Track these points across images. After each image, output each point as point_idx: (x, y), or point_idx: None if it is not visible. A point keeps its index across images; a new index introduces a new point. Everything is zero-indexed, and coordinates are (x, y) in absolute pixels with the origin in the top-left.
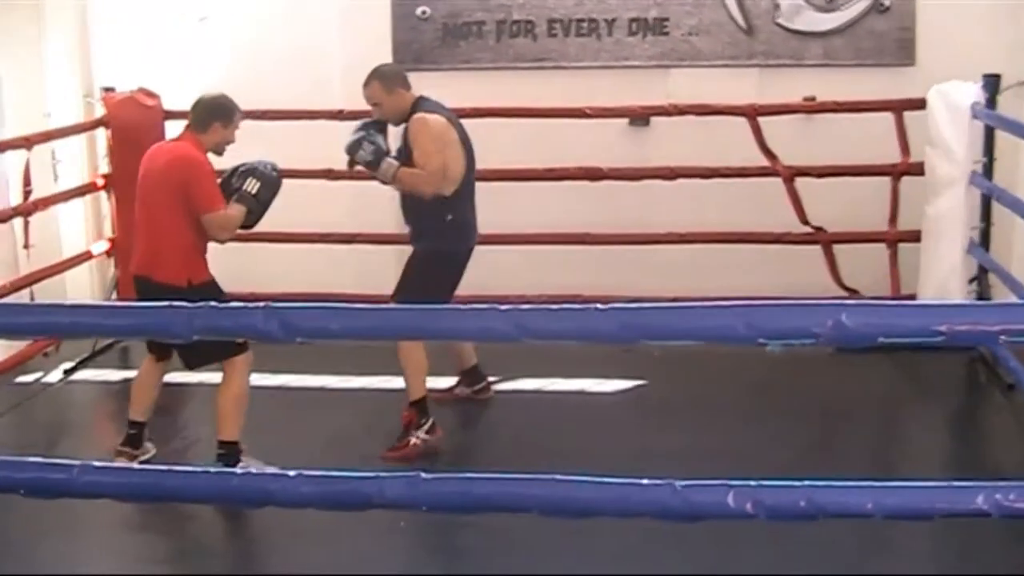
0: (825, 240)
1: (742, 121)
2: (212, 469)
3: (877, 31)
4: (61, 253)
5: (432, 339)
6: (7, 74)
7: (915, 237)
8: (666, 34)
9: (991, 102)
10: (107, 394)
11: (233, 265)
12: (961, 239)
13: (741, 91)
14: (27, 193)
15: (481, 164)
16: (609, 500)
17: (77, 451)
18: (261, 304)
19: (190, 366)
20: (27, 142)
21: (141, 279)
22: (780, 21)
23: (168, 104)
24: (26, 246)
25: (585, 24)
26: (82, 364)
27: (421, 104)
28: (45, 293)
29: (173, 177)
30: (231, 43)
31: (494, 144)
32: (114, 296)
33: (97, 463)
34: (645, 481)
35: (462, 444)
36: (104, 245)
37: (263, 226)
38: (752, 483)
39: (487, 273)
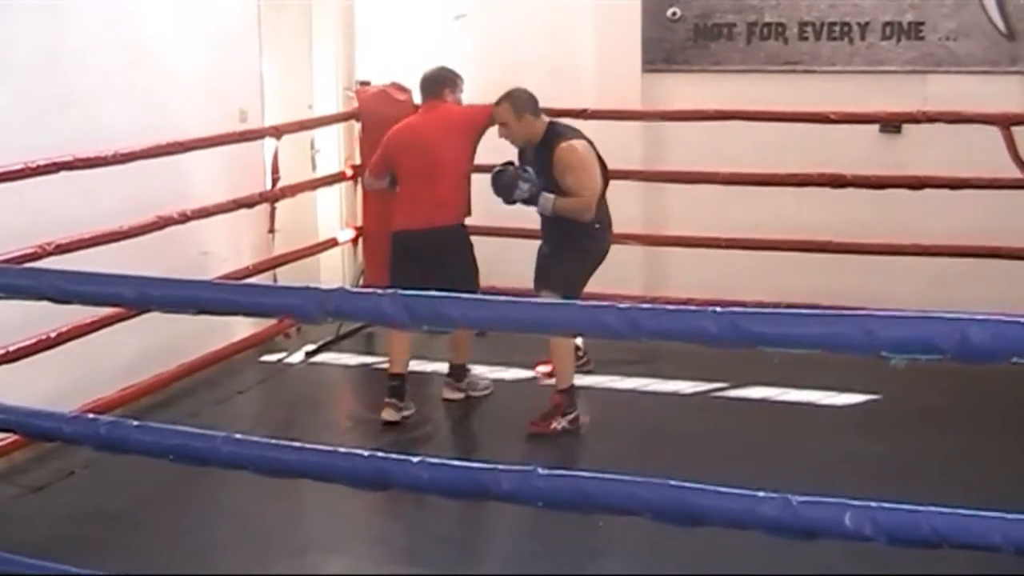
0: None
1: (997, 131)
2: (343, 450)
3: None
4: (317, 239)
5: (549, 333)
6: (276, 69)
7: None
8: (922, 38)
9: None
10: (346, 377)
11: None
12: None
13: (1003, 98)
14: (275, 180)
15: (728, 166)
16: (720, 509)
17: (311, 431)
18: (389, 290)
19: None
20: (277, 131)
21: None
22: None
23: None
24: (271, 231)
25: (838, 27)
26: (325, 347)
27: (557, 131)
28: (296, 276)
29: (468, 128)
30: (485, 40)
31: (741, 147)
32: (360, 282)
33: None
34: (761, 494)
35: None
36: (350, 233)
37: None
38: (872, 504)
39: (727, 276)
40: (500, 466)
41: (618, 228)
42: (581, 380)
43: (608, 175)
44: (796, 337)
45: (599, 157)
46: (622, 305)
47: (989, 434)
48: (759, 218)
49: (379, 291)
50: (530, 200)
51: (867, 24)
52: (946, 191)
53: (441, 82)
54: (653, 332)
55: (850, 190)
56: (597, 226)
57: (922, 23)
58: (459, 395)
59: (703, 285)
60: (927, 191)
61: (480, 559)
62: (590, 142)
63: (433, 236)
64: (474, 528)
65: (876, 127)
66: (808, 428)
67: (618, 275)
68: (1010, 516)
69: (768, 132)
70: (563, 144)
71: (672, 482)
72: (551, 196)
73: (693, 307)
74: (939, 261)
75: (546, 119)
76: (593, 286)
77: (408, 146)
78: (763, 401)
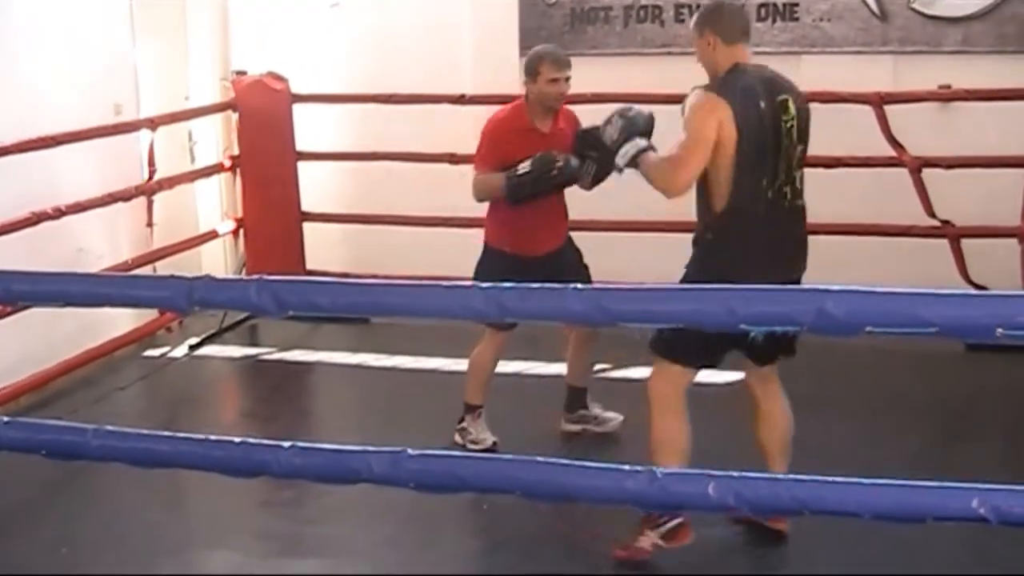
0: (953, 234)
1: (871, 110)
2: (213, 438)
3: (1020, 16)
4: (198, 231)
5: (418, 316)
6: (151, 60)
7: None
8: (796, 19)
9: None
10: (231, 370)
11: (359, 248)
12: None
13: (875, 79)
14: (151, 173)
15: None
16: (589, 486)
17: (195, 425)
18: (255, 277)
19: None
20: (152, 123)
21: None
22: (916, 6)
23: (298, 88)
24: (149, 224)
25: None
26: (209, 340)
27: None
28: (176, 270)
29: None
30: (362, 28)
31: None
32: (243, 274)
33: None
34: (627, 467)
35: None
36: (230, 225)
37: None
38: (735, 474)
39: (613, 260)
40: (371, 448)
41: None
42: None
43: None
44: (659, 314)
45: None
46: (485, 286)
47: (849, 415)
48: (643, 201)
49: (245, 278)
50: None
51: (743, 6)
52: (821, 170)
53: (524, 70)
54: (519, 312)
55: None
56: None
57: (796, 5)
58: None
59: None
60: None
61: (364, 549)
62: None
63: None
64: (358, 517)
65: None
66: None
67: None
68: (866, 482)
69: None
70: None
71: (540, 459)
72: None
73: (557, 286)
74: (816, 240)
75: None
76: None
77: None
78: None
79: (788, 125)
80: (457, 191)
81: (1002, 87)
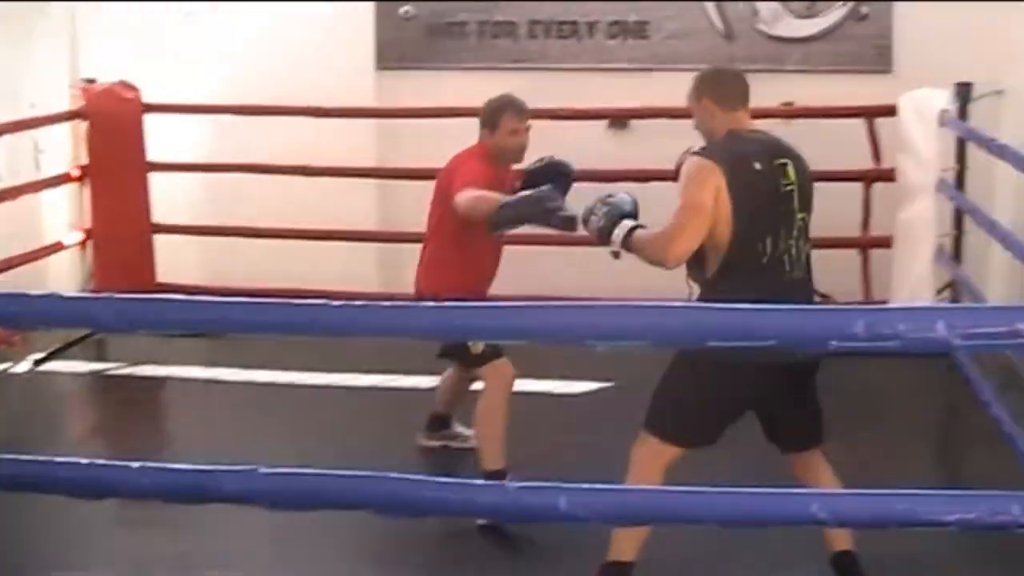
0: None
1: None
2: (58, 459)
3: (855, 38)
4: (43, 242)
5: (265, 332)
6: None
7: (889, 243)
8: (647, 38)
9: (962, 112)
10: (78, 385)
11: (213, 261)
12: (930, 247)
13: None
14: None
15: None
16: (442, 500)
17: (41, 443)
18: (103, 295)
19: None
20: None
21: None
22: (760, 26)
23: (151, 98)
24: None
25: (566, 26)
26: (54, 354)
27: None
28: (20, 282)
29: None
30: (218, 39)
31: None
32: (90, 287)
33: None
34: (478, 483)
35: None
36: (78, 236)
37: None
38: (585, 487)
39: None
40: (221, 467)
41: (353, 226)
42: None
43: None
44: (506, 329)
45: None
46: (337, 303)
47: None
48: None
49: (92, 296)
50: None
51: (595, 23)
52: (671, 183)
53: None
54: (369, 329)
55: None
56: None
57: (647, 23)
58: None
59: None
60: (653, 183)
61: (228, 563)
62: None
63: None
64: (212, 539)
65: (605, 123)
66: (545, 418)
67: (353, 272)
68: (713, 490)
69: None
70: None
71: (393, 475)
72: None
73: (404, 302)
74: None
75: None
76: (328, 283)
77: None
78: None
79: (788, 189)
80: (311, 203)
81: (840, 104)
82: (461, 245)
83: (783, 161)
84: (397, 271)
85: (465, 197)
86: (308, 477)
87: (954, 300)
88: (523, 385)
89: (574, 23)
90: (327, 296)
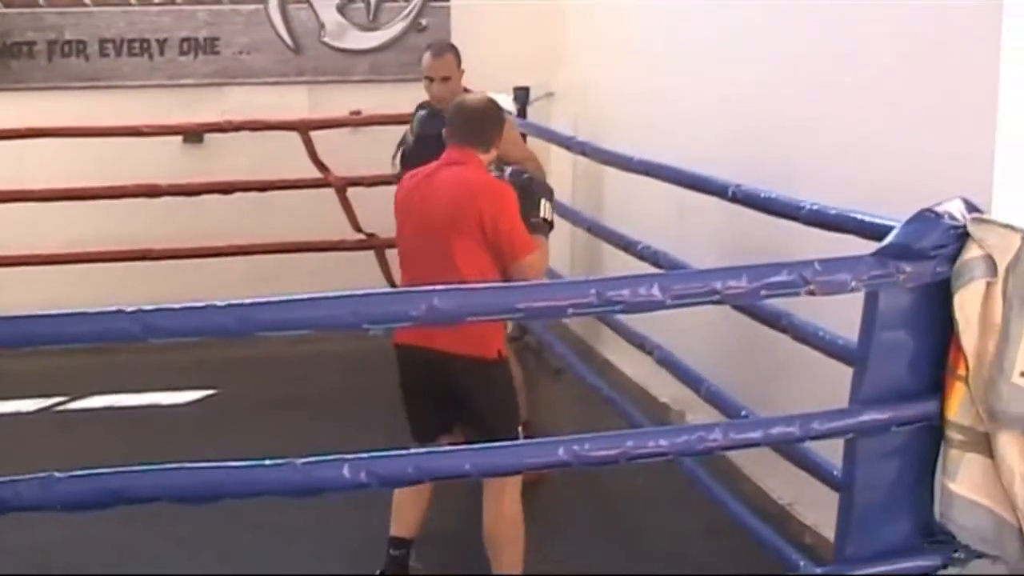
0: (378, 245)
1: (296, 135)
2: None
3: (417, 47)
4: None
5: (58, 343)
6: None
7: None
8: (218, 53)
9: (522, 112)
10: None
11: None
12: None
13: (293, 107)
14: None
15: (40, 184)
16: (238, 481)
17: None
18: None
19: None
20: None
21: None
22: (326, 40)
23: None
24: None
25: (137, 44)
26: None
27: None
28: None
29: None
30: None
31: (50, 164)
32: None
33: None
34: (268, 462)
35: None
36: None
37: None
38: (364, 455)
39: (55, 289)
40: (16, 478)
41: None
42: None
43: None
44: (299, 320)
45: None
46: (129, 309)
47: (331, 417)
48: (80, 233)
49: None
50: None
51: (165, 40)
52: (255, 194)
53: None
54: (168, 331)
55: (165, 199)
56: None
57: (217, 38)
58: None
59: (34, 302)
60: (238, 195)
61: None
62: None
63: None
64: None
65: (180, 138)
66: (153, 428)
67: None
68: (476, 448)
69: (76, 148)
70: None
71: (188, 464)
72: None
73: (200, 303)
74: (254, 258)
75: None
76: None
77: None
78: (108, 409)
79: None
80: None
81: (406, 111)
82: None
83: None
84: None
85: (534, 269)
86: (105, 476)
87: None
88: (127, 399)
89: (146, 40)
90: None
